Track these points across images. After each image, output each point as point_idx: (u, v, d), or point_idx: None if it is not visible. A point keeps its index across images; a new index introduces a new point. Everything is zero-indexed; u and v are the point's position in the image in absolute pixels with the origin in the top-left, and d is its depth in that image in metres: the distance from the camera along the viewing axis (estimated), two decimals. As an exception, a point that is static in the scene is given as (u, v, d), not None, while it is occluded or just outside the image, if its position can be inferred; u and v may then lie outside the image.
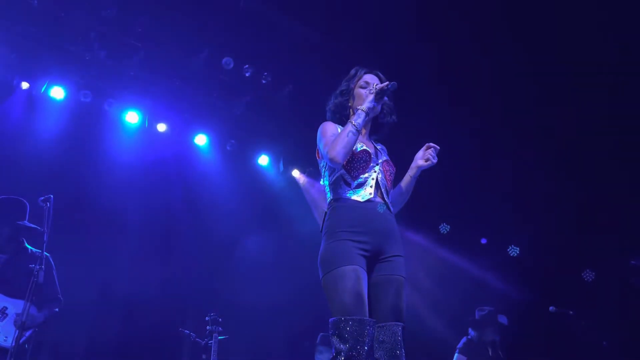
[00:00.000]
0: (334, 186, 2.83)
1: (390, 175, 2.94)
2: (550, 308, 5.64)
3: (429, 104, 6.84)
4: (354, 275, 2.56)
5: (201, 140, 7.47)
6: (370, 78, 3.04)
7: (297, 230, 7.87)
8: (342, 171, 2.80)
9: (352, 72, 3.09)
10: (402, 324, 2.65)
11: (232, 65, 6.69)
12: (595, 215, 6.88)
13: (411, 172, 3.01)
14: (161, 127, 7.17)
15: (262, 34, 6.46)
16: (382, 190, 2.84)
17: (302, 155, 8.02)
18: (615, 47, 5.78)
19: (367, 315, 2.56)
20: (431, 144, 2.99)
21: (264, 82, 7.00)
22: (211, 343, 5.55)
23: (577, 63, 5.96)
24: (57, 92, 6.49)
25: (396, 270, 2.72)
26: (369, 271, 2.69)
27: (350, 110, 3.01)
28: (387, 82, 2.88)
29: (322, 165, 2.95)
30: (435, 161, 2.95)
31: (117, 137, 6.94)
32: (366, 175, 2.81)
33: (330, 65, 6.71)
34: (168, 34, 6.45)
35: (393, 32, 6.44)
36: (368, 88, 2.95)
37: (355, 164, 2.79)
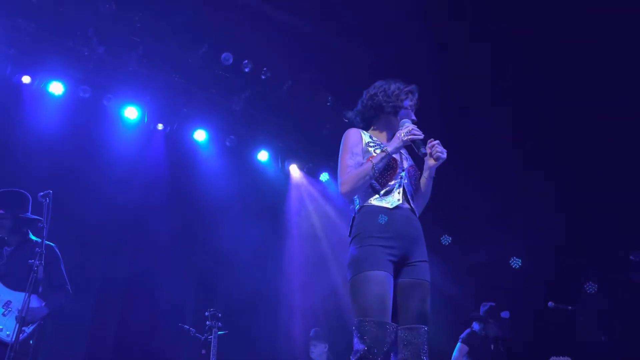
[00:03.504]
0: (363, 193, 2.84)
1: (415, 180, 2.96)
2: (550, 304, 5.66)
3: (429, 102, 6.83)
4: (380, 280, 2.61)
5: (200, 135, 7.46)
6: (408, 105, 3.01)
7: (296, 226, 7.88)
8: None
9: (405, 89, 3.03)
10: (426, 327, 2.71)
11: (231, 61, 6.68)
12: (594, 211, 6.89)
13: (425, 174, 3.00)
14: (160, 123, 7.17)
15: (261, 29, 6.45)
16: (408, 195, 2.87)
17: (301, 151, 8.02)
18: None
19: (390, 319, 2.60)
20: (432, 140, 2.95)
21: (263, 77, 6.99)
22: (211, 338, 5.56)
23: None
24: (56, 88, 6.48)
25: (422, 274, 2.76)
26: (396, 275, 2.74)
27: (382, 124, 3.03)
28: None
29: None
30: (444, 156, 2.91)
31: (116, 133, 6.93)
32: (393, 182, 2.84)
33: (330, 61, 6.72)
34: (167, 30, 6.44)
35: (392, 27, 6.44)
36: (404, 127, 2.86)
37: (384, 172, 2.82)
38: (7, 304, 4.18)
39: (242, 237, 7.29)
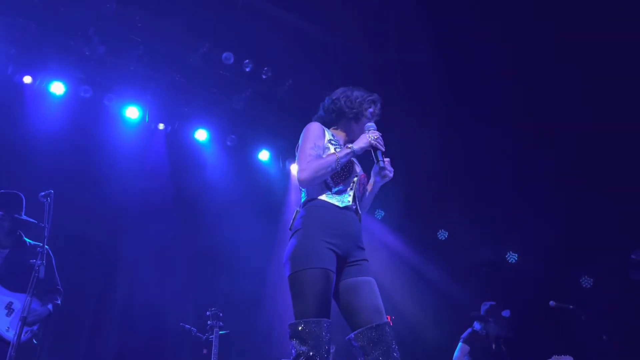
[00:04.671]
0: (314, 187, 2.85)
1: (363, 188, 3.01)
2: (551, 303, 5.65)
3: (430, 100, 6.85)
4: (324, 279, 2.61)
5: (201, 135, 7.46)
6: (371, 113, 3.04)
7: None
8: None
9: (369, 98, 3.06)
10: (388, 322, 2.70)
11: (232, 60, 6.68)
12: (595, 209, 6.89)
13: (370, 188, 3.05)
14: (161, 122, 7.17)
15: (262, 28, 6.45)
16: (357, 199, 2.91)
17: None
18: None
19: (329, 317, 2.61)
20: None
21: (264, 77, 6.99)
22: (212, 338, 5.57)
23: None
24: (57, 87, 6.49)
25: (367, 272, 2.77)
26: (339, 274, 2.74)
27: (341, 127, 3.07)
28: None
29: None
30: (391, 175, 2.95)
31: (117, 132, 6.93)
32: (348, 183, 2.88)
33: (330, 60, 6.72)
34: (168, 29, 6.44)
35: (393, 26, 6.44)
36: (370, 131, 2.91)
37: (340, 172, 2.84)
38: (9, 305, 4.19)
39: (243, 237, 7.29)
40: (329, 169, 2.75)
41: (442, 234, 6.92)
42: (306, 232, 2.71)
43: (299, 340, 2.52)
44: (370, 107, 3.04)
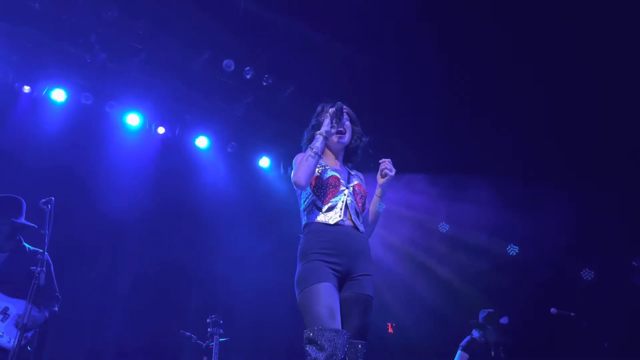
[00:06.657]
0: (307, 211, 2.97)
1: (361, 197, 3.05)
2: (552, 310, 5.64)
3: (432, 104, 6.86)
4: (327, 291, 2.68)
5: (202, 142, 7.48)
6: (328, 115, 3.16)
7: (298, 233, 7.87)
8: (314, 197, 2.96)
9: (319, 108, 3.25)
10: (365, 342, 2.77)
11: (233, 67, 6.70)
12: (596, 215, 6.88)
13: (377, 192, 3.12)
14: (162, 129, 7.18)
15: (263, 35, 6.47)
16: (351, 212, 2.95)
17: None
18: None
19: (341, 327, 2.64)
20: (382, 160, 3.07)
21: (264, 84, 7.00)
22: (212, 345, 5.56)
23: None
24: (59, 95, 6.51)
25: (364, 289, 2.83)
26: (340, 289, 2.80)
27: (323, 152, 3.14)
28: (339, 107, 3.00)
29: (297, 193, 3.08)
30: (392, 174, 3.03)
31: (118, 139, 6.95)
32: (336, 199, 2.95)
33: (332, 67, 6.73)
34: (169, 36, 6.46)
35: (393, 33, 6.46)
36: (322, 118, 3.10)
37: (324, 190, 2.94)
38: (5, 310, 4.17)
39: (244, 244, 7.28)
40: (310, 158, 2.87)
41: (444, 227, 6.87)
42: (305, 257, 2.82)
43: (316, 347, 2.55)
44: (327, 112, 3.11)
